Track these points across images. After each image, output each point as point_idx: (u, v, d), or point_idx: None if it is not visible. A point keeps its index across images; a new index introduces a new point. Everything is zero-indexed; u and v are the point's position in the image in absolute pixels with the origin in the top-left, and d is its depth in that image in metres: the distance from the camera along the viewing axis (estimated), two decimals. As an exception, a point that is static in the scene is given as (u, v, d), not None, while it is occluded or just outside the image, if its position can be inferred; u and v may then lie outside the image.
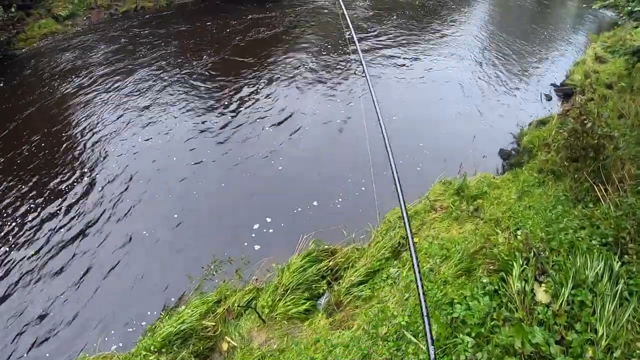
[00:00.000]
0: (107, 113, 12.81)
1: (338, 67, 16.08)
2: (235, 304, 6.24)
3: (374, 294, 6.00)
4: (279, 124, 12.38)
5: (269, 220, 8.94)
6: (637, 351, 3.76)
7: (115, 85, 14.43)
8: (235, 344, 5.68)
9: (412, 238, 0.92)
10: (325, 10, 23.17)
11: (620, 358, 3.73)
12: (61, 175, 10.25)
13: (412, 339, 4.57)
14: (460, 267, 5.77)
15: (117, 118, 12.57)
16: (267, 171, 10.50)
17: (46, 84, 14.59)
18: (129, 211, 9.30)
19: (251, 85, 14.39)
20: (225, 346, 5.73)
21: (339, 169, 10.41)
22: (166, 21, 20.68)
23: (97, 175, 10.31)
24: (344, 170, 10.29)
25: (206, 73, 15.37)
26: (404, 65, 16.65)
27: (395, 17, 22.51)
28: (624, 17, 11.65)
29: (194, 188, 9.90)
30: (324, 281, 6.58)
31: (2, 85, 14.66)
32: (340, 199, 9.53)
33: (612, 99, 11.15)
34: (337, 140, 11.82)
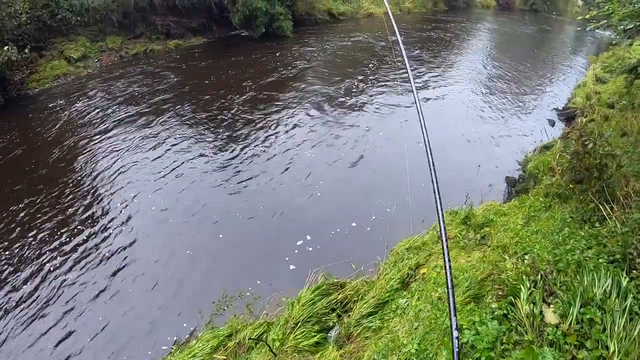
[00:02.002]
0: (122, 153, 13.07)
1: (337, 108, 16.34)
2: (246, 338, 6.22)
3: (383, 325, 5.95)
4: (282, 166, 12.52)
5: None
6: (650, 365, 3.68)
7: (127, 125, 14.77)
8: (246, 379, 5.64)
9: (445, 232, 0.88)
10: (324, 48, 23.73)
11: (634, 373, 3.65)
12: (70, 215, 10.39)
13: (422, 367, 4.50)
14: (469, 295, 5.72)
15: (131, 158, 12.82)
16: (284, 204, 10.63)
17: (57, 124, 14.97)
18: (133, 243, 9.45)
19: (248, 134, 14.62)
20: (236, 381, 5.69)
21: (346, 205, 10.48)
22: (175, 63, 21.36)
23: (107, 207, 10.54)
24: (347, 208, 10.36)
25: (221, 111, 15.75)
26: (402, 98, 16.85)
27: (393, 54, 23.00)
28: (619, 36, 11.81)
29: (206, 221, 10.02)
30: (334, 314, 6.55)
31: (14, 124, 15.09)
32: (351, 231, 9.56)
33: (614, 118, 11.19)
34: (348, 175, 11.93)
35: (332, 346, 5.98)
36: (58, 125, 14.87)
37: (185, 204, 10.66)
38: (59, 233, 9.71)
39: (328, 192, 11.09)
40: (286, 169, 12.08)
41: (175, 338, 7.19)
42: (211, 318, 7.13)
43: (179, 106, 16.15)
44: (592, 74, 17.46)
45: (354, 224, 9.78)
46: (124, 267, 8.81)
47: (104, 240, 9.52)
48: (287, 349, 5.98)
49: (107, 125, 14.80)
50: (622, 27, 10.51)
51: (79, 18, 20.97)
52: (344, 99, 16.73)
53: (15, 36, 17.70)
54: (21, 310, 7.87)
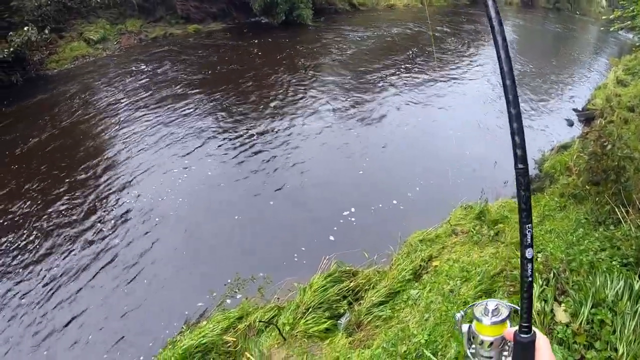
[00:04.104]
0: (141, 137, 13.27)
1: (352, 99, 16.34)
2: (257, 321, 6.33)
3: (394, 315, 6.05)
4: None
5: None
6: (658, 369, 3.75)
7: (143, 110, 14.96)
8: (255, 360, 5.76)
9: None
10: (344, 36, 23.65)
11: (642, 375, 3.72)
12: (87, 197, 10.63)
13: (432, 357, 4.60)
14: (481, 289, 5.80)
15: (151, 140, 13.04)
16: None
17: (75, 104, 15.25)
18: (150, 232, 9.60)
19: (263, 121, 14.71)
20: (244, 362, 5.81)
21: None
22: (194, 47, 21.42)
23: (123, 195, 10.73)
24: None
25: (239, 97, 15.85)
26: (422, 93, 16.83)
27: (413, 47, 22.85)
28: (643, 39, 11.70)
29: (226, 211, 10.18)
30: (345, 301, 6.65)
31: (32, 103, 15.34)
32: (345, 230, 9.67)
33: (633, 121, 11.11)
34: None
35: (341, 333, 6.09)
36: (75, 107, 15.11)
37: (204, 191, 10.91)
38: (74, 215, 9.98)
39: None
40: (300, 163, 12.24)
41: (186, 317, 7.36)
42: (222, 300, 7.28)
43: (200, 90, 16.26)
44: (614, 76, 17.25)
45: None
46: (148, 249, 9.06)
47: (124, 221, 9.83)
48: (297, 334, 6.10)
49: (124, 107, 14.99)
50: None
51: (99, 0, 21.04)
52: (367, 90, 16.72)
53: (35, 17, 17.95)
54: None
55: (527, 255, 1.00)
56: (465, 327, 1.10)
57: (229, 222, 9.90)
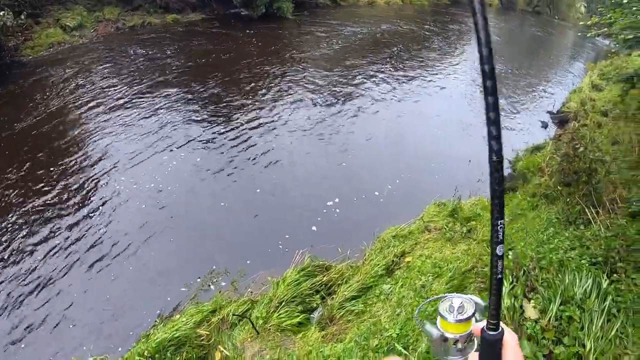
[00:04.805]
0: (115, 125, 12.94)
1: (329, 88, 16.30)
2: (230, 314, 6.26)
3: (366, 309, 6.04)
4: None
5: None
6: (624, 365, 3.80)
7: (123, 99, 14.57)
8: (228, 354, 5.68)
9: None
10: (324, 29, 23.58)
11: (608, 371, 3.76)
12: (67, 184, 10.34)
13: (403, 351, 4.60)
14: (452, 285, 5.83)
15: (125, 129, 12.73)
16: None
17: (49, 92, 14.76)
18: (133, 220, 9.41)
19: (240, 108, 14.56)
20: (218, 355, 5.72)
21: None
22: (172, 38, 21.04)
23: (97, 184, 10.44)
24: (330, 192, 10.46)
25: (222, 88, 15.64)
26: (400, 90, 16.88)
27: (392, 46, 22.90)
28: (618, 45, 11.88)
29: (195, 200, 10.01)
30: (318, 295, 6.62)
31: (6, 91, 14.83)
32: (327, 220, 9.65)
33: (606, 125, 11.31)
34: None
35: (314, 327, 6.06)
36: (50, 94, 14.67)
37: (191, 179, 10.79)
38: (55, 202, 9.73)
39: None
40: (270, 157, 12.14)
41: (158, 312, 7.23)
42: (196, 293, 7.19)
43: (180, 80, 16.01)
44: (589, 81, 17.57)
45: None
46: (129, 238, 8.88)
47: (96, 211, 9.59)
48: (270, 327, 6.04)
49: (98, 96, 14.61)
50: (623, 36, 10.56)
51: (76, -14, 20.54)
52: (351, 84, 16.69)
53: (11, 2, 17.32)
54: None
55: (497, 252, 0.96)
56: (428, 326, 1.05)
57: (215, 209, 9.81)
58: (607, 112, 12.70)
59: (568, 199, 7.54)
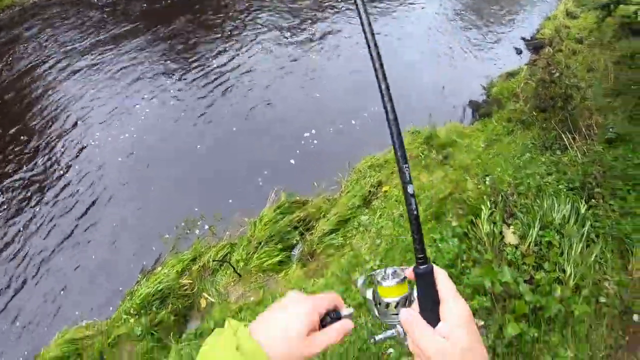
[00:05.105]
0: (80, 81, 12.15)
1: (298, 21, 15.67)
2: (210, 260, 6.18)
3: (346, 242, 6.03)
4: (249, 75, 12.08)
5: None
6: (605, 290, 3.85)
7: (74, 56, 13.51)
8: (213, 300, 5.66)
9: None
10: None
11: (589, 296, 3.82)
12: (22, 153, 9.82)
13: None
14: (430, 212, 5.81)
15: (91, 85, 11.93)
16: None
17: (7, 57, 13.79)
18: (96, 180, 9.04)
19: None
20: (203, 303, 5.73)
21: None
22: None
23: (69, 143, 9.96)
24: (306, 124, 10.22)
25: (189, 30, 14.77)
26: (372, 17, 16.32)
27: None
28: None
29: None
30: (297, 232, 6.56)
31: None
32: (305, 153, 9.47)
33: (581, 53, 11.20)
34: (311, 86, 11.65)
35: (295, 264, 6.03)
36: (9, 58, 13.62)
37: (166, 124, 10.36)
38: (27, 160, 9.32)
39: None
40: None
41: (140, 268, 7.08)
42: (175, 243, 7.04)
43: (146, 26, 14.91)
44: (563, 8, 17.21)
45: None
46: (88, 196, 8.56)
47: (71, 170, 9.18)
48: (252, 269, 6.00)
49: (62, 53, 13.63)
50: None
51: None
52: (323, 13, 16.00)
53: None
54: None
55: (409, 190, 1.03)
56: (369, 293, 1.07)
57: (192, 153, 9.46)
58: (582, 39, 12.54)
59: (544, 125, 7.53)
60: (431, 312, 0.98)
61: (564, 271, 4.02)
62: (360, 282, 1.10)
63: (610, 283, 3.92)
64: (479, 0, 19.65)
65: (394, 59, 13.29)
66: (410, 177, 1.04)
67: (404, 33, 15.07)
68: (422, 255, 1.02)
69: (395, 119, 1.10)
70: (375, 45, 1.14)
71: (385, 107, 1.14)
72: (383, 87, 1.15)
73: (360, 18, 1.12)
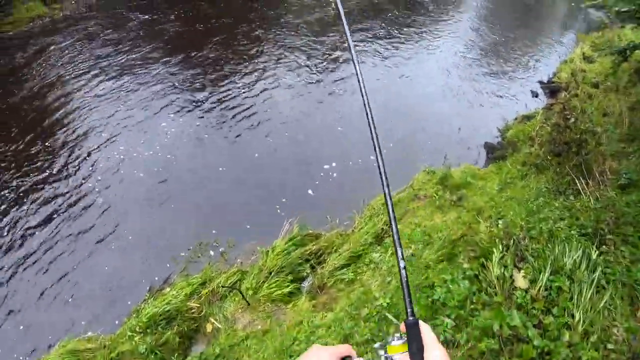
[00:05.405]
0: (102, 99, 12.56)
1: (326, 53, 16.05)
2: (220, 286, 6.25)
3: (356, 278, 6.07)
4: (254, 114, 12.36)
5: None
6: (613, 336, 3.85)
7: (100, 72, 14.09)
8: (220, 326, 5.71)
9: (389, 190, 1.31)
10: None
11: (597, 342, 3.81)
12: (47, 161, 10.12)
13: (394, 320, 4.63)
14: (442, 253, 5.84)
15: (113, 104, 12.34)
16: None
17: (30, 69, 14.24)
18: (132, 188, 9.38)
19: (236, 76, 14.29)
20: (209, 327, 5.77)
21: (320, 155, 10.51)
22: (153, 7, 20.28)
23: (86, 159, 10.25)
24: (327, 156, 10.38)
25: (214, 55, 15.27)
26: (389, 56, 16.63)
27: (383, 11, 22.47)
28: (612, 17, 11.81)
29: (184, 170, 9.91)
30: (308, 265, 6.62)
31: None
32: (323, 185, 9.60)
33: (597, 97, 11.29)
34: (319, 128, 11.86)
35: (305, 296, 6.08)
36: (39, 68, 14.14)
37: (189, 145, 10.73)
38: (36, 186, 9.50)
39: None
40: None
41: (149, 286, 7.20)
42: (185, 265, 7.16)
43: (170, 49, 15.52)
44: (580, 52, 17.41)
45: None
46: (106, 209, 8.80)
47: (90, 183, 9.50)
48: (261, 298, 6.05)
49: (90, 66, 14.18)
50: (617, 8, 10.48)
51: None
52: (339, 49, 16.41)
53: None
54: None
55: (401, 265, 1.40)
56: (382, 352, 1.35)
57: (213, 175, 9.78)
58: (598, 83, 12.65)
59: (558, 169, 7.57)
60: (417, 356, 1.25)
61: (573, 316, 4.02)
62: (376, 345, 1.38)
63: (619, 329, 3.91)
64: (498, 43, 19.97)
65: (412, 98, 13.55)
66: (403, 255, 1.42)
67: (422, 73, 15.38)
68: (410, 311, 1.36)
69: (393, 211, 1.54)
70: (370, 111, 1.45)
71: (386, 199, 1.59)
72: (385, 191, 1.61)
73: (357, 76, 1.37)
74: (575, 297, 4.20)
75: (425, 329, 1.33)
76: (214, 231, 8.04)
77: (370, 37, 18.01)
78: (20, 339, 6.59)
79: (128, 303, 6.87)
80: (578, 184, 6.71)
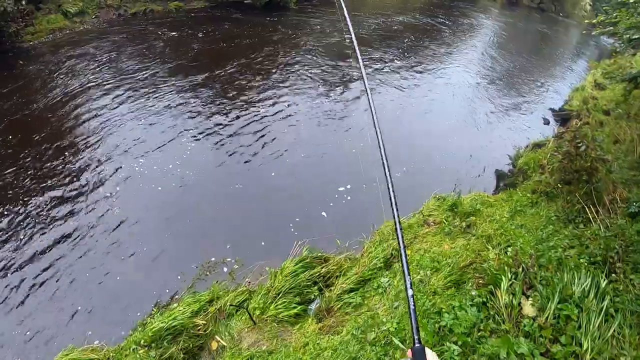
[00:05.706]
0: (115, 114, 12.78)
1: (339, 78, 16.27)
2: (227, 304, 6.26)
3: (364, 302, 6.05)
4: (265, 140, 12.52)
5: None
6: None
7: (121, 85, 14.41)
8: (225, 344, 5.71)
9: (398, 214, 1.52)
10: (329, 21, 23.43)
11: (604, 371, 3.79)
12: (66, 169, 10.30)
13: (400, 344, 4.62)
14: (450, 280, 5.83)
15: (125, 119, 12.56)
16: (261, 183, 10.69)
17: (50, 79, 14.57)
18: (149, 203, 9.48)
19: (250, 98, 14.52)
20: (214, 345, 5.75)
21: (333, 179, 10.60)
22: (175, 25, 20.80)
23: (99, 169, 10.39)
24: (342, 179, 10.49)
25: (230, 77, 15.61)
26: (405, 82, 16.82)
27: (400, 38, 22.78)
28: (623, 45, 11.88)
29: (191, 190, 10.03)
30: (316, 287, 6.61)
31: (6, 76, 14.60)
32: (337, 206, 9.69)
33: (608, 124, 11.30)
34: (329, 153, 11.97)
35: (311, 319, 6.07)
36: (52, 81, 14.46)
37: (208, 163, 10.90)
38: (43, 200, 9.64)
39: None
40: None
41: (157, 299, 7.25)
42: (193, 282, 7.21)
43: (188, 69, 15.88)
44: (592, 79, 17.51)
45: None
46: (123, 220, 8.91)
47: (107, 191, 9.66)
48: (267, 318, 6.05)
49: (100, 83, 14.48)
50: (628, 36, 10.57)
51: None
52: (354, 75, 16.65)
53: (12, -13, 17.07)
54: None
55: (409, 293, 1.59)
56: None
57: (229, 193, 9.92)
58: (609, 111, 12.67)
59: (568, 197, 7.57)
60: None
61: (580, 345, 3.99)
62: None
63: (627, 359, 3.89)
64: (511, 70, 20.13)
65: (424, 124, 13.69)
66: (411, 283, 1.60)
67: (435, 101, 15.55)
68: (417, 338, 1.52)
69: (404, 249, 1.79)
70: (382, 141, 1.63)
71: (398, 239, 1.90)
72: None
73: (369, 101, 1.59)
74: (584, 325, 4.18)
75: (429, 355, 1.48)
76: (228, 246, 8.17)
77: (387, 65, 18.29)
78: (24, 341, 6.64)
79: (137, 314, 6.91)
80: (588, 212, 6.70)
